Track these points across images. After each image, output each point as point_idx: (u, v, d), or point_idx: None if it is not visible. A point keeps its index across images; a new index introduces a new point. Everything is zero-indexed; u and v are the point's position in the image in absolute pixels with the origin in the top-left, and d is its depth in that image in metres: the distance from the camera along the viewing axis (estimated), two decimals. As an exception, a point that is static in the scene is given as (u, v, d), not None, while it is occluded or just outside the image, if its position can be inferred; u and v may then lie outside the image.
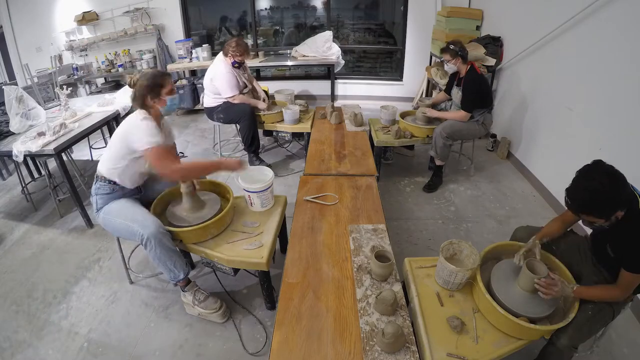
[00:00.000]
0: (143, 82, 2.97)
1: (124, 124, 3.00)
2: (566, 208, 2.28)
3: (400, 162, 5.73)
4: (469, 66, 4.57)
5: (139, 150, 2.89)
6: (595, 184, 2.03)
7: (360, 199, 3.42)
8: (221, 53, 5.40)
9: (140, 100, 3.00)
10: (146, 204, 3.27)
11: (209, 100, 5.46)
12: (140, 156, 2.98)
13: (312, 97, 8.88)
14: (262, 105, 5.47)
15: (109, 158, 3.07)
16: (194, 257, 3.84)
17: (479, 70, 4.57)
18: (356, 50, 9.29)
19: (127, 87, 6.08)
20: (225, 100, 5.38)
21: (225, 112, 5.37)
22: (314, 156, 4.30)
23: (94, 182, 3.18)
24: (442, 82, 6.41)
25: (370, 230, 3.01)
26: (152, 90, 2.98)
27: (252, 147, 5.48)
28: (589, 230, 2.47)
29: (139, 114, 2.97)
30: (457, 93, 4.77)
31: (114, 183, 3.12)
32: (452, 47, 4.54)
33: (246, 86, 5.57)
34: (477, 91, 4.52)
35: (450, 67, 4.68)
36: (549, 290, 2.24)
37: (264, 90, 6.51)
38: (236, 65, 5.34)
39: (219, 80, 5.28)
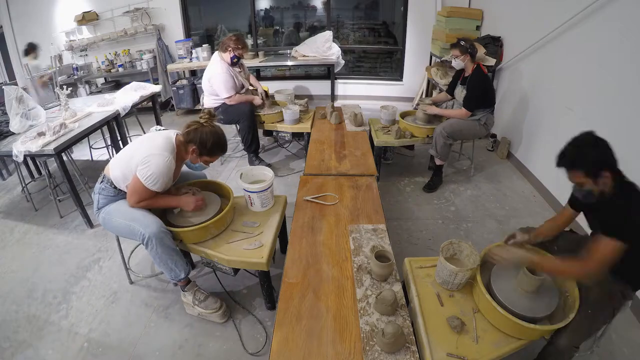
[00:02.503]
0: (206, 136, 2.95)
1: (148, 139, 2.98)
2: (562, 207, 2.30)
3: (400, 162, 5.72)
4: (475, 65, 4.57)
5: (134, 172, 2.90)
6: (581, 138, 2.23)
7: (360, 199, 3.42)
8: (217, 53, 5.39)
9: (186, 138, 2.98)
10: None
11: (208, 101, 5.45)
12: None
13: (312, 97, 8.88)
14: (257, 100, 5.46)
15: (122, 168, 3.02)
16: (194, 257, 3.84)
17: (485, 71, 4.57)
18: (356, 50, 9.30)
19: (127, 87, 6.13)
20: (224, 101, 5.38)
21: (225, 113, 5.36)
22: (314, 156, 4.30)
23: (99, 180, 3.15)
24: (442, 82, 6.41)
25: (370, 230, 3.01)
26: (202, 148, 2.96)
27: (252, 147, 5.47)
28: (588, 231, 2.47)
29: (167, 146, 2.92)
30: (461, 92, 4.76)
31: (119, 189, 3.10)
32: (463, 43, 4.53)
33: (243, 87, 5.56)
34: (482, 91, 4.52)
35: (457, 63, 4.67)
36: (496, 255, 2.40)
37: (264, 90, 6.53)
38: (235, 60, 5.32)
39: (216, 81, 5.26)
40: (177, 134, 3.07)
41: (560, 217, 2.63)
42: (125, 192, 3.09)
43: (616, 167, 2.16)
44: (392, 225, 4.22)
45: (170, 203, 3.13)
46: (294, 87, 8.88)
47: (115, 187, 3.08)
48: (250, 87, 5.82)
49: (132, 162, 2.91)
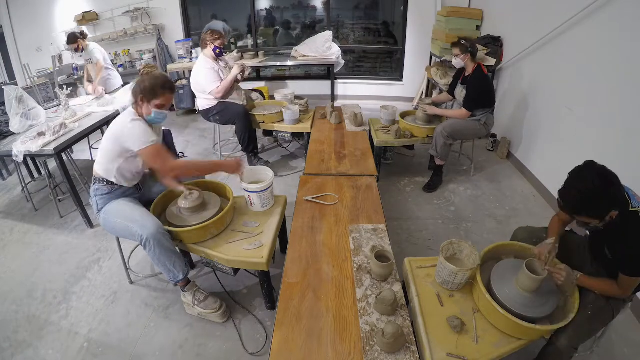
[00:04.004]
0: (144, 82, 2.96)
1: (114, 124, 2.99)
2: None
3: (400, 162, 5.73)
4: (475, 65, 4.58)
5: (134, 150, 2.89)
6: (587, 185, 2.03)
7: (360, 199, 3.42)
8: (200, 54, 5.42)
9: (134, 97, 3.00)
10: (146, 203, 3.27)
11: (202, 102, 5.45)
12: (134, 155, 2.98)
13: (312, 97, 8.83)
14: (235, 70, 5.38)
15: (103, 158, 3.07)
16: (194, 257, 3.84)
17: (485, 71, 4.57)
18: (356, 50, 9.30)
19: (127, 87, 6.12)
20: (217, 99, 5.36)
21: (220, 114, 5.37)
22: (314, 156, 4.30)
23: (92, 184, 3.18)
24: (442, 82, 6.41)
25: (370, 230, 3.01)
26: (146, 93, 2.96)
27: (250, 147, 5.47)
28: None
29: (128, 115, 2.97)
30: (461, 92, 4.76)
31: (112, 183, 3.12)
32: (463, 42, 4.54)
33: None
34: (482, 91, 4.53)
35: (458, 62, 4.67)
36: (558, 274, 2.28)
37: (261, 90, 6.53)
38: (217, 51, 5.32)
39: (201, 77, 5.27)
40: (132, 104, 3.11)
41: (564, 215, 2.60)
42: (119, 185, 3.14)
43: (624, 203, 2.13)
44: (392, 225, 4.22)
45: (213, 165, 3.28)
46: (294, 87, 8.90)
47: (107, 182, 3.11)
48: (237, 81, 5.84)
49: (108, 148, 2.99)
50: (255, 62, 7.98)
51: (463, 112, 4.59)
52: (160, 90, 2.99)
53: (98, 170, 3.12)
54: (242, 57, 8.41)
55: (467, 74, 4.68)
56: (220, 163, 3.19)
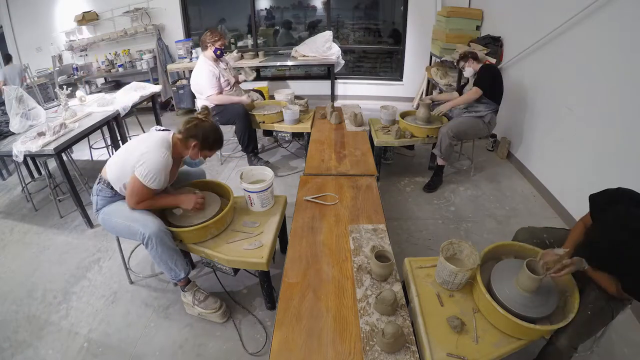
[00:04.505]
0: (207, 133, 3.01)
1: (146, 144, 2.95)
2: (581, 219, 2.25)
3: (400, 162, 5.73)
4: (481, 65, 4.69)
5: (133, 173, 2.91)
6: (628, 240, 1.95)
7: (360, 199, 3.42)
8: (200, 55, 5.42)
9: (187, 136, 2.99)
10: None
11: (202, 102, 5.43)
12: None
13: (312, 97, 8.82)
14: (245, 100, 5.44)
15: (117, 167, 3.03)
16: (194, 257, 3.83)
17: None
18: (356, 50, 9.30)
19: (128, 87, 6.12)
20: (206, 99, 5.38)
21: (220, 115, 5.36)
22: (314, 156, 4.30)
23: (96, 182, 3.15)
24: (442, 82, 6.42)
25: (370, 230, 3.01)
26: (205, 144, 3.01)
27: (249, 147, 5.47)
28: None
29: (164, 143, 2.94)
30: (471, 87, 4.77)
31: (116, 190, 3.10)
32: (461, 55, 4.73)
33: (229, 84, 5.54)
34: (493, 75, 4.60)
35: (469, 71, 4.74)
36: (562, 273, 2.21)
37: (261, 91, 6.52)
38: (218, 52, 5.31)
39: (200, 79, 5.27)
40: (173, 134, 3.07)
41: (581, 225, 2.49)
42: (123, 195, 3.11)
43: None
44: (392, 225, 4.22)
45: (170, 202, 3.13)
46: (294, 87, 8.91)
47: (112, 188, 3.07)
48: (241, 82, 5.83)
49: (128, 163, 2.92)
50: (255, 62, 7.97)
51: (474, 91, 4.58)
52: (217, 146, 3.11)
53: (108, 175, 3.07)
54: (242, 57, 8.41)
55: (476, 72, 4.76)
56: (179, 199, 3.14)
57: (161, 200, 3.10)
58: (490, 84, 4.58)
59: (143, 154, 2.86)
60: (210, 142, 3.03)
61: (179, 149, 3.05)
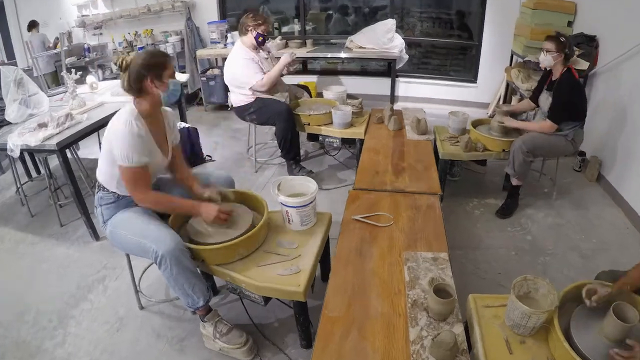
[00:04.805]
0: (140, 61, 2.95)
1: (112, 122, 3.00)
2: None
3: (469, 180, 5.71)
4: (565, 69, 4.47)
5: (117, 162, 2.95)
6: None
7: (420, 221, 3.42)
8: (237, 41, 5.49)
9: (137, 85, 2.98)
10: (163, 214, 3.27)
11: (236, 98, 5.51)
12: None
13: (367, 96, 8.82)
14: (284, 58, 5.41)
15: (102, 162, 3.11)
16: (217, 281, 3.85)
17: (576, 76, 4.47)
18: (423, 44, 9.31)
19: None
20: (256, 95, 5.42)
21: (258, 113, 5.42)
22: (367, 167, 4.33)
23: (95, 191, 3.23)
24: (524, 86, 6.35)
25: (430, 259, 3.01)
26: (152, 71, 2.96)
27: (290, 153, 5.52)
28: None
29: (125, 115, 2.95)
30: (546, 99, 4.66)
31: (117, 194, 3.16)
32: (563, 39, 4.40)
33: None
34: (571, 100, 4.41)
35: (546, 60, 4.50)
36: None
37: (307, 86, 6.56)
38: (260, 39, 5.35)
39: (240, 69, 5.32)
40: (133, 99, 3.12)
41: None
42: (125, 195, 3.14)
43: None
44: (455, 255, 4.19)
45: (187, 208, 3.16)
46: (346, 84, 8.87)
47: (110, 191, 3.14)
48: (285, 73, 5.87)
49: (104, 151, 3.01)
50: (302, 52, 8.04)
51: (547, 125, 4.50)
52: (162, 58, 3.06)
53: (99, 176, 3.17)
54: (286, 45, 8.49)
55: (554, 78, 4.59)
56: (198, 207, 3.13)
57: (176, 202, 3.15)
58: (569, 111, 4.45)
59: (111, 139, 2.92)
60: (154, 62, 2.98)
61: (143, 102, 3.06)
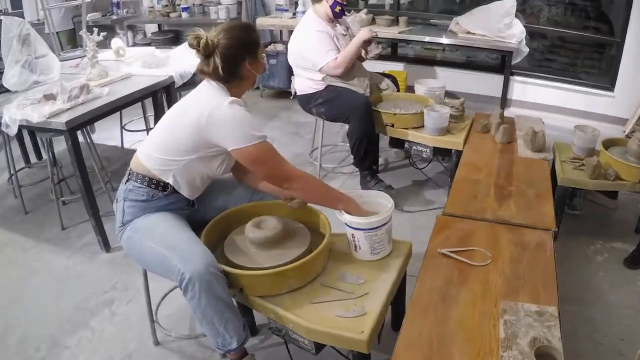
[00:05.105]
0: (234, 41, 3.00)
1: (193, 105, 3.03)
2: None
3: (593, 215, 5.60)
4: None
5: (227, 148, 2.94)
6: None
7: (525, 264, 3.37)
8: (309, 10, 5.47)
9: (233, 68, 3.02)
10: (197, 225, 3.25)
11: (302, 83, 5.53)
12: (220, 152, 3.04)
13: (471, 96, 8.72)
14: (365, 34, 5.33)
15: (164, 148, 3.05)
16: (257, 318, 3.80)
17: None
18: (548, 35, 9.18)
19: (187, 48, 6.07)
20: (327, 81, 5.40)
21: (328, 105, 5.42)
22: (463, 188, 4.32)
23: (123, 181, 3.19)
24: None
25: (534, 313, 2.95)
26: (250, 50, 3.02)
27: (366, 161, 5.50)
28: None
29: (219, 97, 2.97)
30: None
31: (161, 187, 3.12)
32: None
33: None
34: None
35: None
36: None
37: (394, 76, 6.50)
38: (338, 9, 5.29)
39: (310, 43, 5.30)
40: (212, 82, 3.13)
41: None
42: (166, 193, 3.12)
43: None
44: (567, 310, 4.10)
45: (336, 201, 3.25)
46: (445, 79, 8.80)
47: (152, 184, 3.09)
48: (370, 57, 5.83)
49: (178, 135, 3.00)
50: (392, 32, 8.03)
51: None
52: (254, 32, 3.18)
53: (146, 162, 3.10)
54: (373, 21, 8.49)
55: None
56: (347, 200, 3.19)
57: (327, 189, 3.32)
58: None
59: (210, 121, 2.90)
60: (248, 40, 3.07)
61: (233, 90, 3.11)
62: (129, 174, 3.15)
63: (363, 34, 5.34)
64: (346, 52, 5.31)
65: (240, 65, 3.01)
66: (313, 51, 5.30)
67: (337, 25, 5.52)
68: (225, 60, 2.97)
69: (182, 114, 3.04)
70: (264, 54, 3.14)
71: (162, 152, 3.05)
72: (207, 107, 2.93)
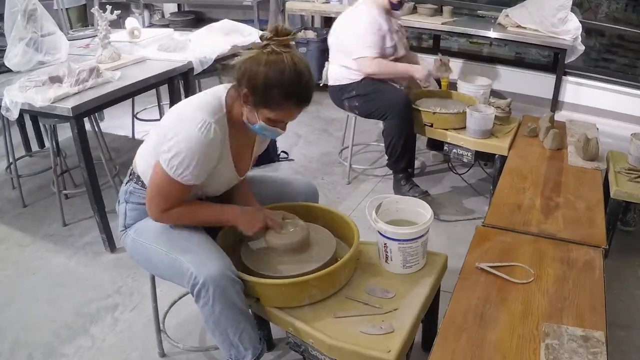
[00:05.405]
0: (264, 72, 2.63)
1: (187, 103, 2.95)
2: None
3: (649, 233, 5.57)
4: None
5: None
6: None
7: (571, 283, 3.34)
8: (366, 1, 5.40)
9: (238, 76, 2.77)
10: (211, 228, 3.21)
11: (336, 71, 5.52)
12: None
13: (519, 97, 8.72)
14: (419, 73, 5.41)
15: (150, 144, 3.04)
16: (274, 331, 3.76)
17: None
18: (607, 33, 9.13)
19: (214, 26, 6.09)
20: (362, 72, 5.35)
21: (363, 99, 5.40)
22: (506, 197, 4.30)
23: (125, 181, 3.19)
24: None
25: (579, 338, 2.92)
26: (257, 93, 2.71)
27: (401, 163, 5.49)
28: None
29: (205, 109, 2.80)
30: None
31: None
32: None
33: (394, 53, 5.56)
34: None
35: None
36: None
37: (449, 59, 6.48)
38: (398, 1, 5.30)
39: (351, 34, 5.28)
40: (231, 85, 2.91)
41: None
42: None
43: None
44: (616, 336, 4.09)
45: (214, 215, 3.07)
46: (491, 76, 8.76)
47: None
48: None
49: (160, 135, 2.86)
50: (435, 23, 8.03)
51: None
52: (282, 98, 2.72)
53: (137, 160, 3.12)
54: (414, 11, 8.48)
55: None
56: (234, 213, 3.06)
57: (203, 211, 3.05)
58: None
59: (174, 126, 2.79)
60: (264, 88, 2.66)
61: (238, 105, 2.88)
62: (130, 174, 3.16)
63: (419, 73, 5.39)
64: (388, 65, 5.34)
65: (239, 88, 2.78)
66: (358, 37, 5.27)
67: (393, 19, 5.51)
68: (242, 70, 2.72)
69: (171, 114, 2.96)
70: (282, 121, 2.85)
71: (149, 150, 3.03)
72: (191, 104, 2.90)
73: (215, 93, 2.92)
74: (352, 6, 5.41)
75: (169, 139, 2.72)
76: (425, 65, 5.45)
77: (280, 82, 2.64)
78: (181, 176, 2.72)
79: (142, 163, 3.05)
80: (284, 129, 2.93)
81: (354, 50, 5.28)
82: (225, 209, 3.07)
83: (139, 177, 3.09)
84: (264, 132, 2.93)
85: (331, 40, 5.55)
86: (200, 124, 2.70)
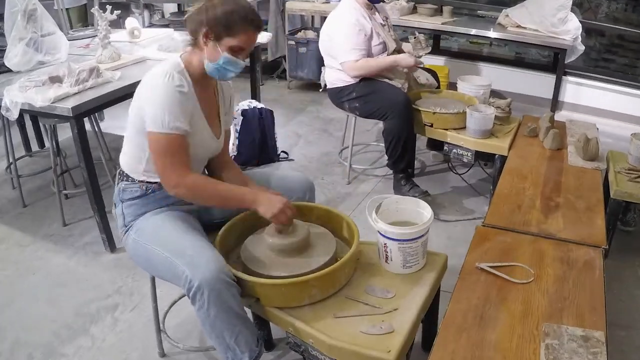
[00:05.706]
0: (215, 7, 2.83)
1: (145, 77, 2.97)
2: None
3: (649, 233, 5.58)
4: None
5: (146, 128, 2.85)
6: None
7: (571, 283, 3.34)
8: None
9: (194, 31, 2.92)
10: (210, 226, 3.24)
11: (333, 74, 5.51)
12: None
13: (519, 97, 8.70)
14: (405, 61, 5.37)
15: (129, 139, 3.09)
16: (274, 331, 3.76)
17: None
18: (607, 33, 9.14)
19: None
20: (341, 67, 5.35)
21: (363, 100, 5.40)
22: (506, 197, 4.30)
23: (116, 181, 3.20)
24: None
25: (579, 338, 2.92)
26: (217, 25, 2.83)
27: (401, 163, 5.49)
28: None
29: (164, 66, 2.90)
30: None
31: (146, 183, 3.11)
32: None
33: (386, 48, 5.54)
34: None
35: None
36: None
37: (435, 71, 6.45)
38: None
39: (338, 32, 5.27)
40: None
41: None
42: (156, 186, 3.08)
43: None
44: (616, 336, 4.09)
45: (236, 192, 3.08)
46: (491, 76, 8.76)
47: (140, 180, 3.08)
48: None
49: (133, 125, 2.97)
50: (435, 23, 8.03)
51: None
52: (241, 23, 2.87)
53: (122, 160, 3.15)
54: (414, 10, 8.48)
55: None
56: (256, 197, 3.01)
57: (224, 188, 3.05)
58: None
59: (142, 99, 2.88)
60: (224, 18, 2.82)
61: (196, 58, 2.98)
62: (119, 175, 3.19)
63: (405, 61, 5.35)
64: (372, 63, 5.31)
65: (198, 32, 2.90)
66: (338, 44, 5.28)
67: (377, 13, 5.50)
68: (193, 17, 2.92)
69: (134, 96, 3.02)
70: (240, 50, 2.94)
71: (129, 145, 3.08)
72: (147, 77, 2.94)
73: (169, 60, 3.01)
74: (337, 7, 5.37)
75: (145, 105, 2.82)
76: (408, 50, 5.43)
77: (238, 8, 2.85)
78: (172, 125, 2.76)
79: (126, 158, 3.12)
80: (244, 59, 3.01)
81: (337, 56, 5.29)
82: (245, 188, 3.11)
83: (127, 175, 3.11)
84: (228, 67, 2.94)
85: (322, 47, 5.55)
86: (162, 75, 2.82)
